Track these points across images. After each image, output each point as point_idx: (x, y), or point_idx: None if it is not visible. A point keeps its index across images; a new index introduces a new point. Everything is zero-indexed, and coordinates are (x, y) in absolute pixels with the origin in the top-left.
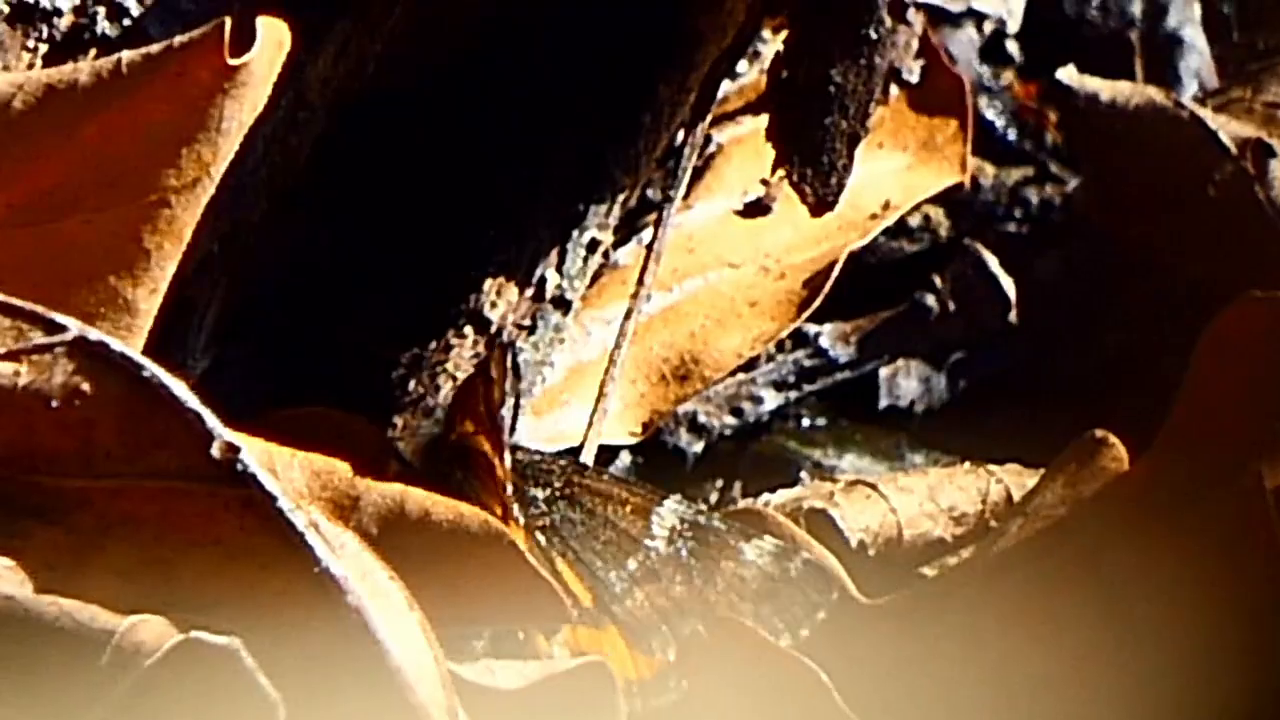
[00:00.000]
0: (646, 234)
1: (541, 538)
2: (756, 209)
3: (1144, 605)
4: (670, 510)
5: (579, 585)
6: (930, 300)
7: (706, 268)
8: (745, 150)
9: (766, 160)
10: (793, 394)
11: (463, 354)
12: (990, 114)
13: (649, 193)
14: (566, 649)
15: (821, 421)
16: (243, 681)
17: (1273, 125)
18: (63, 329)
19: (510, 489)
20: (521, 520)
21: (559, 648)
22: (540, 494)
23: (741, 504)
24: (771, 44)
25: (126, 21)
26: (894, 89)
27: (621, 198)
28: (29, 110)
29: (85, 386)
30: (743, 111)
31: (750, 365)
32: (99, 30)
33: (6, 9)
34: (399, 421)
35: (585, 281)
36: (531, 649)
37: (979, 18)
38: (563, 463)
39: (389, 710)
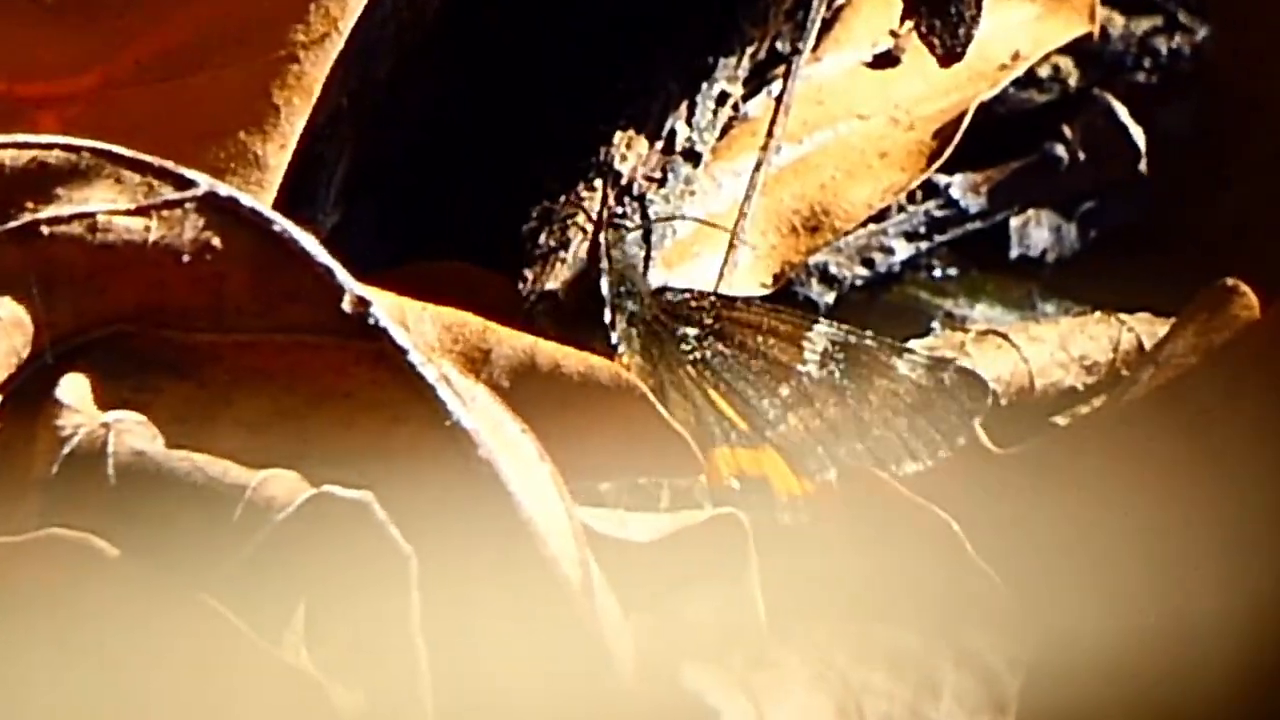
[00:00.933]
0: (775, 86)
1: (693, 371)
2: (885, 60)
3: (1275, 452)
4: (821, 334)
5: (733, 412)
6: (1060, 150)
7: (836, 119)
8: (874, 2)
9: (895, 11)
10: (924, 244)
11: (593, 206)
12: None
13: (778, 45)
14: (726, 468)
15: (953, 271)
16: (374, 535)
17: None
18: (193, 184)
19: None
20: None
21: (724, 465)
22: (691, 331)
23: None
24: None
25: None
26: None
27: (750, 50)
28: None
29: (215, 241)
30: None
31: (881, 216)
32: None
33: None
34: (529, 274)
35: (715, 134)
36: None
37: None
38: (712, 299)
39: (520, 562)
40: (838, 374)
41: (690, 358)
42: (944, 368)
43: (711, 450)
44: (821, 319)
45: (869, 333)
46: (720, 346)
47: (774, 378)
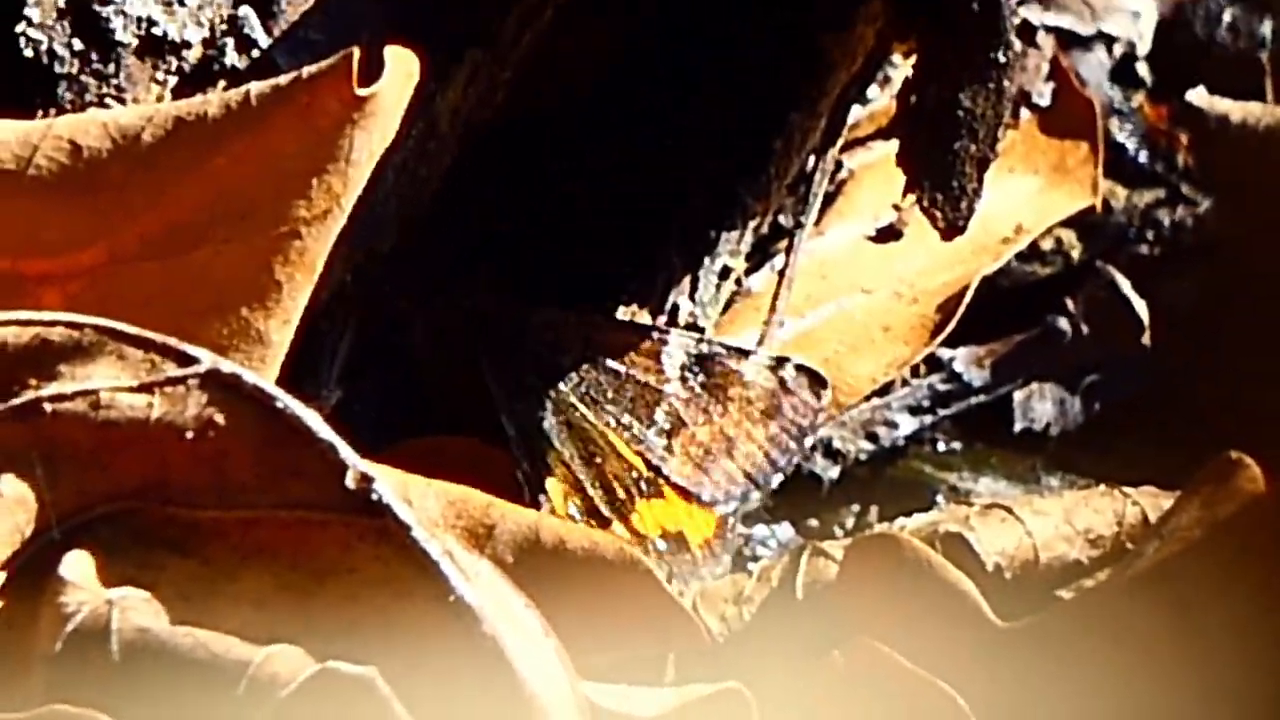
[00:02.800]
0: (779, 260)
1: (584, 408)
2: (888, 234)
3: None
4: (676, 346)
5: (629, 452)
6: (1064, 323)
7: (839, 293)
8: (876, 175)
9: (898, 185)
10: (928, 418)
11: None
12: (1121, 136)
13: (780, 219)
14: (649, 526)
15: (956, 445)
16: (379, 711)
17: None
18: (195, 361)
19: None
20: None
21: (646, 524)
22: (566, 360)
23: (877, 528)
24: (901, 69)
25: (255, 53)
26: (1024, 112)
27: (753, 224)
28: (158, 143)
29: (219, 418)
30: (873, 137)
31: (885, 390)
32: (228, 62)
33: (135, 42)
34: None
35: (718, 308)
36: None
37: (1109, 40)
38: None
39: None
40: (697, 388)
41: (577, 391)
42: (783, 365)
43: (630, 510)
44: (674, 330)
45: (715, 339)
46: (596, 375)
47: (647, 403)
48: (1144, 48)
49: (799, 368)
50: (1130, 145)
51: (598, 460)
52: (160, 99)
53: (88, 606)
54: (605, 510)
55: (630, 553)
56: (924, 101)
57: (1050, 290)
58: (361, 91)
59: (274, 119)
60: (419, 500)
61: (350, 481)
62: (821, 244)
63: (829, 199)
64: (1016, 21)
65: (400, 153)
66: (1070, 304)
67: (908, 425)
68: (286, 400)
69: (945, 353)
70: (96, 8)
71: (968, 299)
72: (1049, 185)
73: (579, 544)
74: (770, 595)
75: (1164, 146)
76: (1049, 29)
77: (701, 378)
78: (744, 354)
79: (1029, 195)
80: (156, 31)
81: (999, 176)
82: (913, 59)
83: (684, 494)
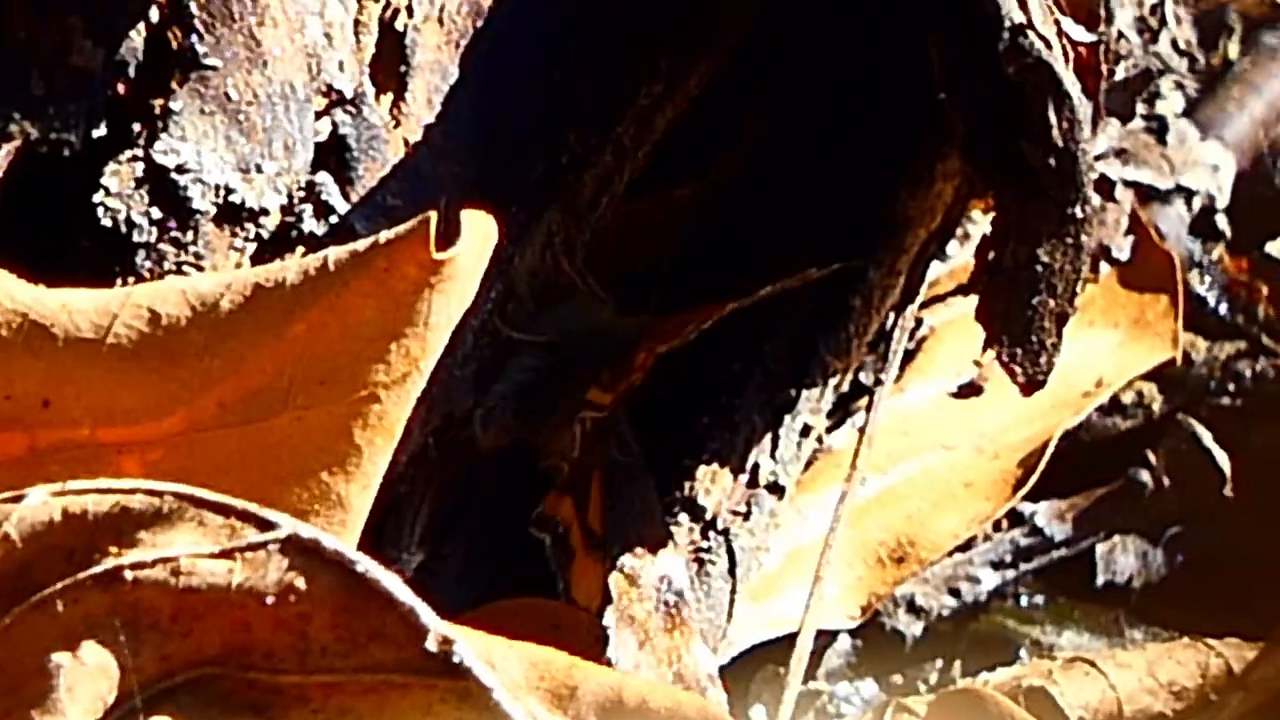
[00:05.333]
0: (859, 417)
1: None
2: (969, 390)
3: None
4: None
5: None
6: (1145, 476)
7: (921, 450)
8: (956, 332)
9: (977, 341)
10: (1010, 573)
11: (678, 542)
12: (1201, 289)
13: (861, 376)
14: None
15: (1039, 599)
16: None
17: None
18: (275, 526)
19: None
20: None
21: None
22: None
23: (961, 683)
24: (980, 225)
25: (333, 219)
26: (1103, 266)
27: (834, 382)
28: (237, 309)
29: (299, 583)
30: (953, 293)
31: (967, 545)
32: (306, 229)
33: (213, 209)
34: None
35: (799, 466)
36: None
37: (1188, 194)
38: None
39: None
40: None
41: None
42: None
43: None
44: None
45: None
46: None
47: None
48: (1223, 200)
49: None
50: (1210, 298)
51: None
52: (239, 266)
53: None
54: None
55: (713, 711)
56: (1002, 257)
57: (1131, 443)
58: (439, 255)
59: (352, 284)
60: (501, 662)
61: (432, 644)
62: (902, 401)
63: (909, 356)
64: (1094, 176)
65: (479, 315)
66: (1152, 457)
67: (990, 580)
68: (367, 564)
69: (1027, 507)
70: (174, 176)
71: (1049, 453)
72: (1129, 339)
73: (662, 704)
74: None
75: (1244, 299)
76: (1127, 183)
77: None
78: None
79: (1109, 349)
80: (234, 199)
81: (1079, 330)
82: (991, 215)
83: None
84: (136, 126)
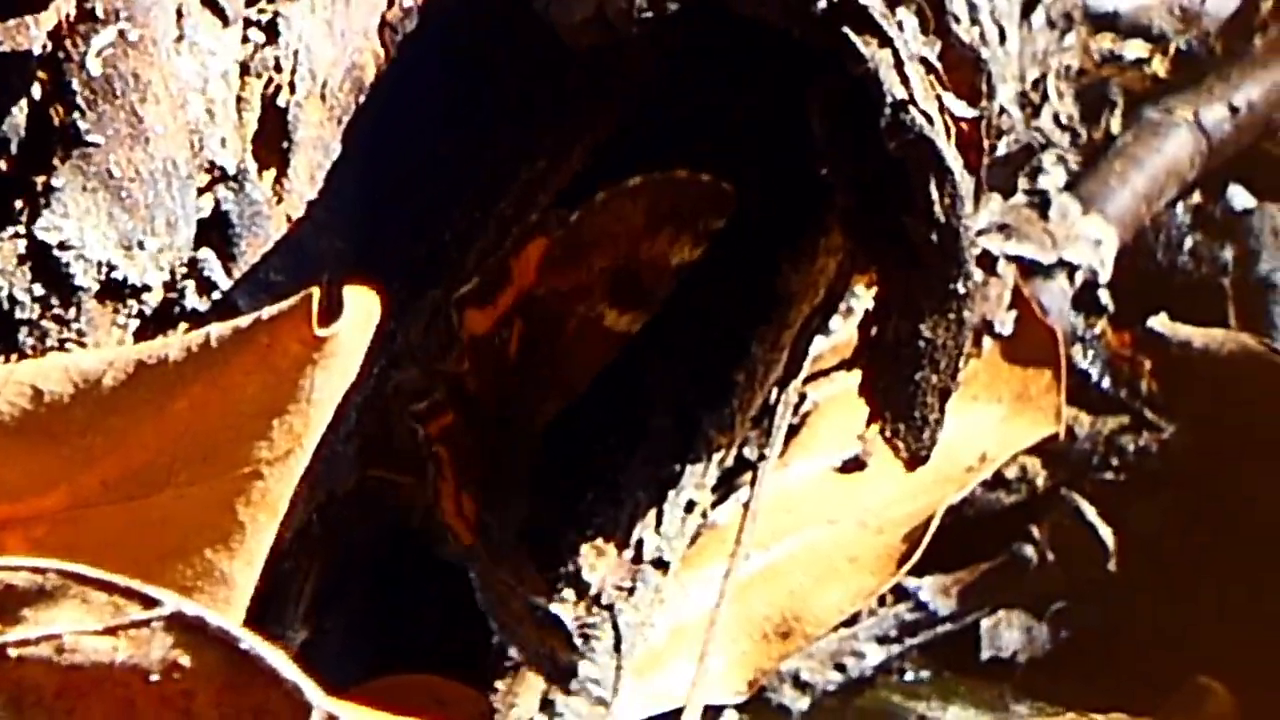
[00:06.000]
0: (744, 493)
1: None
2: (853, 464)
3: None
4: None
5: None
6: (1029, 551)
7: (805, 524)
8: (840, 407)
9: (861, 416)
10: (895, 648)
11: (563, 617)
12: (1084, 363)
13: (745, 451)
14: None
15: (925, 674)
16: None
17: None
18: (159, 603)
19: None
20: None
21: None
22: None
23: None
24: (863, 300)
25: (216, 295)
26: (986, 341)
27: (718, 457)
28: (120, 386)
29: (184, 660)
30: (836, 368)
31: (852, 620)
32: (188, 305)
33: (96, 286)
34: (500, 686)
35: (684, 542)
36: None
37: (1070, 268)
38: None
39: None
40: None
41: None
42: None
43: None
44: None
45: None
46: None
47: None
48: (1105, 275)
49: None
50: (1093, 372)
51: None
52: (121, 342)
53: None
54: None
55: None
56: (885, 332)
57: (1016, 518)
58: (321, 332)
59: (234, 360)
60: None
61: None
62: (786, 476)
63: (793, 431)
64: (976, 252)
65: (362, 392)
66: (1036, 531)
67: (875, 655)
68: (251, 641)
69: (912, 582)
70: (57, 253)
71: (933, 528)
72: (1012, 413)
73: None
74: None
75: (1127, 373)
76: (1010, 258)
77: None
78: None
79: (992, 423)
80: (117, 275)
81: (962, 405)
82: (874, 290)
83: None
84: (19, 203)
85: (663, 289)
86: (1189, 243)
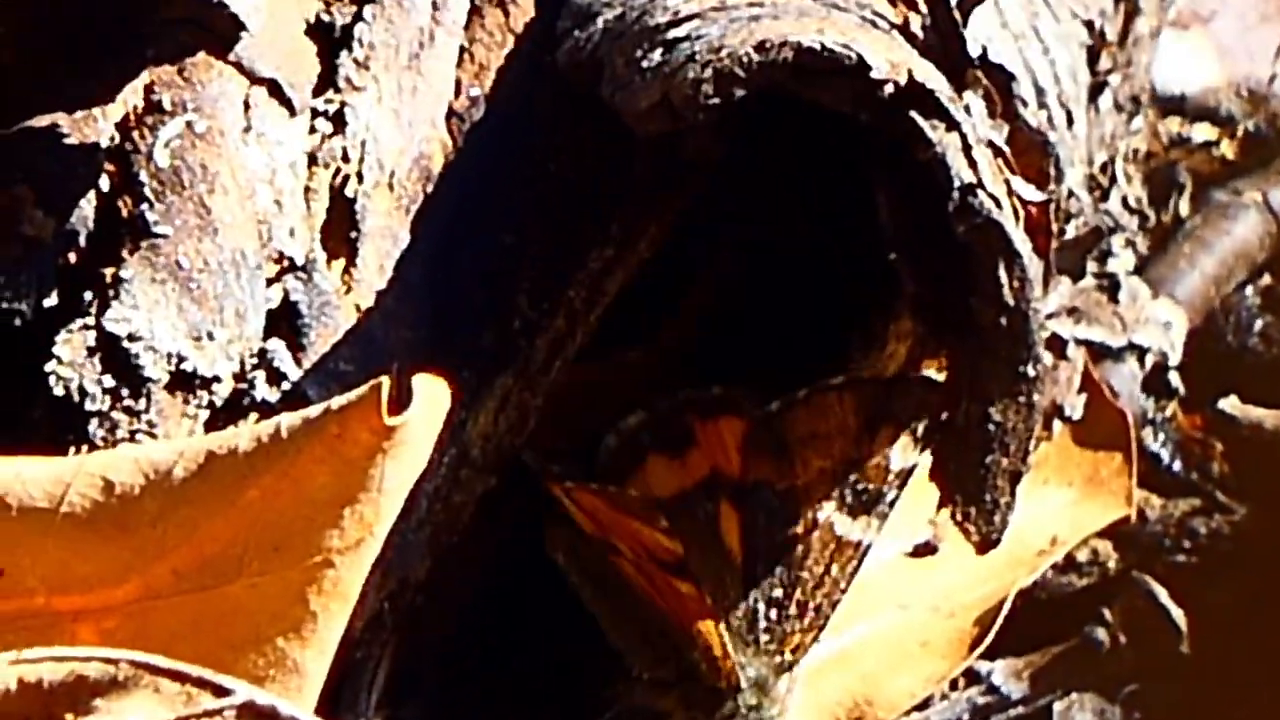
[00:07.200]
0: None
1: None
2: (924, 549)
3: None
4: None
5: None
6: (1101, 634)
7: (877, 609)
8: (910, 492)
9: (932, 500)
10: None
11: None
12: (1155, 446)
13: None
14: None
15: None
16: None
17: None
18: (230, 692)
19: None
20: None
21: None
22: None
23: None
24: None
25: (285, 385)
26: (1057, 424)
27: None
28: (190, 477)
29: None
30: None
31: (924, 705)
32: (258, 395)
33: (166, 377)
34: None
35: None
36: None
37: (1140, 351)
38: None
39: None
40: None
41: None
42: None
43: None
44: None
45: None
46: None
47: None
48: (1176, 357)
49: None
50: (1164, 455)
51: None
52: (191, 433)
53: None
54: None
55: None
56: (955, 417)
57: (1087, 601)
58: (391, 421)
59: (305, 450)
60: None
61: None
62: None
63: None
64: (1046, 335)
65: (433, 480)
66: (1108, 614)
67: None
68: None
69: (984, 666)
70: (126, 344)
71: (1005, 611)
72: (1083, 496)
73: None
74: None
75: (1198, 455)
76: (1079, 341)
77: None
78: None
79: (1063, 507)
80: (186, 366)
81: (1033, 489)
82: (944, 374)
83: None
84: (88, 295)
85: (891, 492)
86: (1259, 324)
